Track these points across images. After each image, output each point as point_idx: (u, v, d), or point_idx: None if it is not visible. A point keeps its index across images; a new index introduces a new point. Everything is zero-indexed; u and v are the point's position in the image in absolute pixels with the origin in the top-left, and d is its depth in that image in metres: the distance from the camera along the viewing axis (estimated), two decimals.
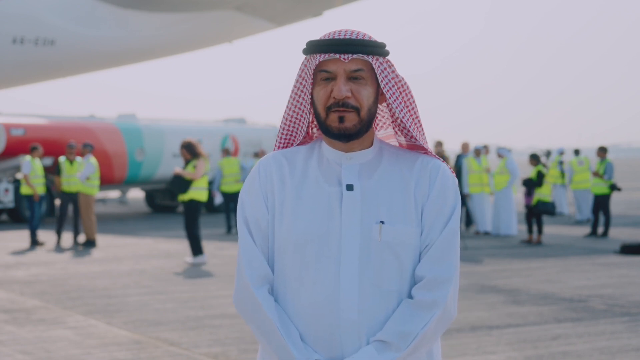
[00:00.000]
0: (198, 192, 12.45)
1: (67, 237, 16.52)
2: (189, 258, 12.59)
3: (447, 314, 2.19)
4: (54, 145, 20.94)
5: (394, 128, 2.35)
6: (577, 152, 20.90)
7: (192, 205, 12.47)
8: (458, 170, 18.01)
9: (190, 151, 12.42)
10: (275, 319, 2.16)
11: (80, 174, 15.43)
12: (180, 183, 12.34)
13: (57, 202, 15.61)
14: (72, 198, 15.69)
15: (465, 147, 18.82)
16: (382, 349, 2.13)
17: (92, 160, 15.58)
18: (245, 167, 19.11)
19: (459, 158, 18.67)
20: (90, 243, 15.22)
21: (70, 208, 15.90)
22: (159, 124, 24.38)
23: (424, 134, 2.31)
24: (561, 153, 21.78)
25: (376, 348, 2.13)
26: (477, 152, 17.72)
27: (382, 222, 2.18)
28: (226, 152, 18.77)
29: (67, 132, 21.68)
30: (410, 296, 2.20)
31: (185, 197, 12.41)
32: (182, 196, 12.45)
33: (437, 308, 2.16)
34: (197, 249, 12.43)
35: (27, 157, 15.74)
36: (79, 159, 16.01)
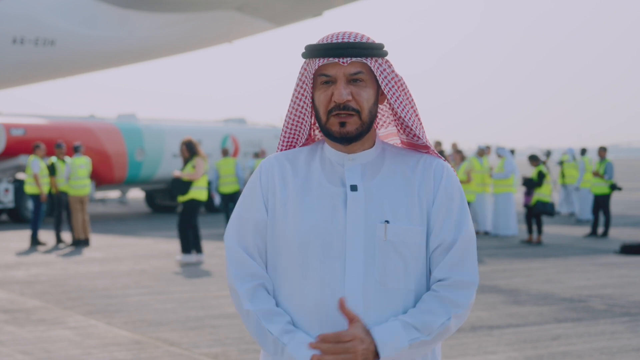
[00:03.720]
0: (198, 192, 12.51)
1: (65, 237, 16.51)
2: (178, 256, 12.72)
3: (464, 316, 2.22)
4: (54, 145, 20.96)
5: (395, 126, 2.36)
6: (583, 151, 20.88)
7: (192, 204, 12.52)
8: None
9: (190, 149, 12.48)
10: (258, 311, 2.17)
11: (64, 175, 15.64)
12: (181, 185, 12.40)
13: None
14: (68, 198, 15.77)
15: (454, 147, 18.82)
16: (408, 328, 2.13)
17: (69, 160, 15.66)
18: (242, 168, 19.09)
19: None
20: (84, 242, 15.30)
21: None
22: (159, 124, 24.39)
23: (424, 132, 2.32)
24: (565, 153, 21.81)
25: (403, 326, 2.13)
26: (481, 152, 17.71)
27: (387, 222, 2.19)
28: (224, 153, 18.76)
29: (67, 132, 21.67)
30: (416, 297, 2.21)
31: (186, 197, 12.46)
32: (183, 197, 12.50)
33: (461, 308, 2.19)
34: (186, 247, 12.55)
35: (33, 157, 15.74)
36: (68, 159, 16.05)
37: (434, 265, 2.23)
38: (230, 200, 18.02)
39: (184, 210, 12.56)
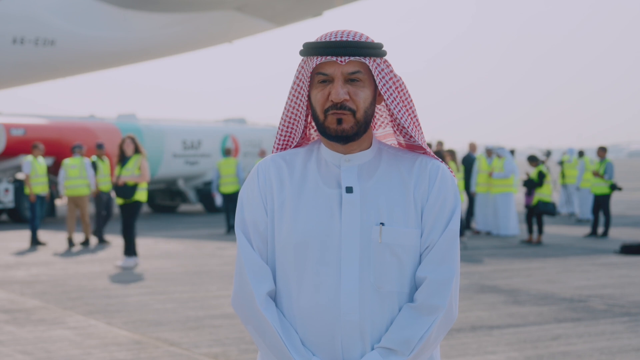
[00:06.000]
0: (142, 194, 12.36)
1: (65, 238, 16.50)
2: (119, 261, 12.37)
3: (448, 316, 2.19)
4: (54, 145, 20.94)
5: (392, 127, 2.35)
6: (581, 153, 20.90)
7: (136, 206, 12.38)
8: (467, 169, 18.03)
9: (136, 146, 12.30)
10: (275, 323, 2.16)
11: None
12: (127, 189, 12.20)
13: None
14: (109, 197, 15.82)
15: (472, 146, 18.82)
16: (386, 355, 2.13)
17: (65, 160, 15.76)
18: (243, 168, 19.07)
19: (468, 157, 18.68)
20: (87, 242, 15.33)
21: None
22: (159, 124, 24.39)
23: (422, 133, 2.30)
24: (565, 153, 21.82)
25: (380, 354, 2.14)
26: (489, 152, 17.71)
27: (382, 224, 2.18)
28: (227, 152, 18.74)
29: (67, 132, 21.68)
30: (412, 299, 2.20)
31: (131, 199, 12.30)
32: (128, 200, 12.32)
33: (439, 312, 2.16)
34: (131, 250, 12.32)
35: (29, 157, 15.78)
36: (67, 160, 16.11)
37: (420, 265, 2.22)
38: (230, 200, 18.02)
39: (129, 213, 12.37)
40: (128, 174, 12.20)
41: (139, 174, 12.18)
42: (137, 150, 12.33)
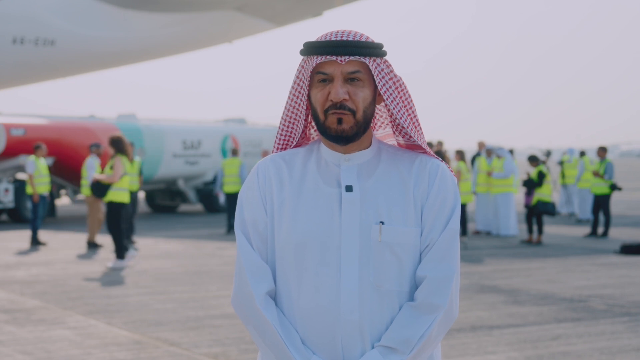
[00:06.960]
0: (117, 194, 12.27)
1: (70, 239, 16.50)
2: (110, 262, 12.34)
3: (449, 315, 2.19)
4: (54, 145, 20.94)
5: (392, 127, 2.35)
6: (582, 153, 20.94)
7: (114, 207, 12.32)
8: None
9: (116, 147, 12.25)
10: (275, 322, 2.16)
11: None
12: (99, 188, 12.21)
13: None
14: (135, 196, 15.82)
15: (481, 145, 18.85)
16: (386, 353, 2.13)
17: (90, 161, 15.77)
18: (247, 168, 19.05)
19: (478, 156, 18.71)
20: (91, 245, 15.25)
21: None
22: (159, 124, 24.39)
23: (422, 133, 2.30)
24: (565, 153, 21.82)
25: (381, 352, 2.14)
26: (489, 152, 17.72)
27: (382, 223, 2.18)
28: (233, 153, 18.70)
29: (67, 132, 21.69)
30: (412, 298, 2.20)
31: (106, 199, 12.33)
32: (104, 199, 12.37)
33: (439, 311, 2.17)
34: (120, 252, 12.24)
35: (31, 157, 15.80)
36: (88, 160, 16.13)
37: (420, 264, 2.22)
38: (232, 199, 18.01)
39: (107, 214, 12.40)
40: (104, 172, 12.26)
41: (111, 174, 12.18)
42: (120, 151, 12.34)
